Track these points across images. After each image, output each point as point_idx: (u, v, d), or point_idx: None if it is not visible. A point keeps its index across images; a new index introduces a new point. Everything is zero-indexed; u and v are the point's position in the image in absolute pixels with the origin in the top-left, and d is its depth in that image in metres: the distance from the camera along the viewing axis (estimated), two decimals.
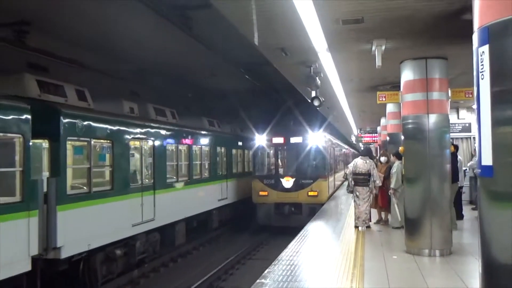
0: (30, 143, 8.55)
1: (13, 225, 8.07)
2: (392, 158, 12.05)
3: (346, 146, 38.42)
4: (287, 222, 17.50)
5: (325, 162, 18.94)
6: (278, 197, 18.16)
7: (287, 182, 18.12)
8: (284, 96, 21.68)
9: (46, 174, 9.28)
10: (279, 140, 18.95)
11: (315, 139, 18.61)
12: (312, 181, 18.04)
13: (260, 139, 19.04)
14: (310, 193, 17.89)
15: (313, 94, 12.02)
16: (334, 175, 22.83)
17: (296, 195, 17.99)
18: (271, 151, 19.65)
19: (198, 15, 10.41)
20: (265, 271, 7.69)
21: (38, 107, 8.95)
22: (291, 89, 15.55)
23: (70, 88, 10.72)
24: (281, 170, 19.32)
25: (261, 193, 18.39)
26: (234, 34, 8.58)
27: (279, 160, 19.75)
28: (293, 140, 18.70)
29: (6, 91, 8.86)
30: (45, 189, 8.98)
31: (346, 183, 19.99)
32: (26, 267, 8.35)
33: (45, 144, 9.36)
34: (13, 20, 10.43)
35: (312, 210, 16.86)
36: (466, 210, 13.12)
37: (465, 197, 14.25)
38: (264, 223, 18.47)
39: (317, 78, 10.75)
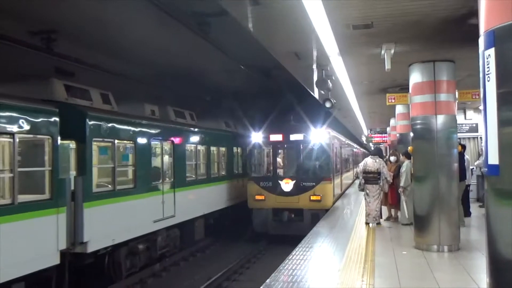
0: (58, 144, 8.68)
1: (43, 221, 8.20)
2: (401, 157, 11.98)
3: (355, 145, 35.63)
4: (287, 230, 15.16)
5: (330, 162, 16.12)
6: (276, 201, 15.50)
7: (286, 185, 15.45)
8: (290, 92, 19.51)
9: (73, 173, 9.40)
10: (277, 137, 16.19)
11: (318, 136, 15.84)
12: (314, 183, 15.31)
13: (256, 137, 16.35)
14: (313, 198, 15.18)
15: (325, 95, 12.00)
16: (341, 176, 20.16)
17: (297, 199, 15.36)
18: (268, 150, 16.79)
19: (215, 22, 10.45)
20: (280, 265, 7.71)
21: (66, 110, 9.08)
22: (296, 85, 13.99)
23: (95, 92, 10.85)
24: (279, 171, 16.61)
25: (257, 197, 15.73)
26: (249, 38, 8.60)
27: (277, 160, 16.82)
28: (293, 137, 15.99)
29: (36, 95, 9.00)
30: (72, 187, 9.10)
31: (357, 182, 19.74)
32: (56, 260, 8.48)
33: (72, 145, 9.48)
34: (42, 28, 10.58)
35: (315, 217, 14.54)
36: (474, 208, 12.99)
37: (472, 195, 14.10)
38: (260, 231, 15.94)
39: (328, 81, 10.73)
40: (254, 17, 6.73)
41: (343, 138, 23.92)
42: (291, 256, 8.39)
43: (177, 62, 14.94)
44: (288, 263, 7.82)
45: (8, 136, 7.71)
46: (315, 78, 10.88)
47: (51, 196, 8.46)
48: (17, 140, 7.75)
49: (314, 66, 10.12)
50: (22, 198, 7.84)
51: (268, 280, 6.85)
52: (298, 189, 15.37)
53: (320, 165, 15.98)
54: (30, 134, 8.25)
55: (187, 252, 14.28)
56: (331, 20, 6.53)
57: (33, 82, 9.67)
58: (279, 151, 17.06)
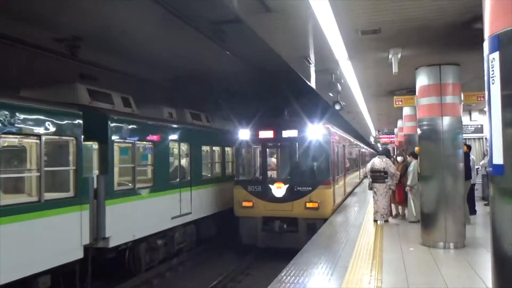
0: (82, 145, 8.78)
1: (68, 217, 8.31)
2: (408, 158, 11.92)
3: (362, 144, 32.38)
4: (278, 243, 12.75)
5: (330, 163, 13.36)
6: (266, 209, 12.94)
7: (278, 190, 12.90)
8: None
9: (96, 172, 9.50)
10: (267, 133, 13.46)
11: (316, 132, 13.15)
12: (311, 188, 12.72)
13: (243, 134, 13.62)
14: (309, 205, 12.60)
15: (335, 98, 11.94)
16: (344, 179, 17.21)
17: (290, 206, 12.74)
18: (258, 149, 14.20)
19: (230, 28, 10.48)
20: (292, 260, 7.70)
21: (89, 113, 9.18)
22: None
23: (117, 96, 10.96)
24: (270, 174, 13.96)
25: (245, 203, 13.15)
26: (261, 45, 8.61)
27: (267, 160, 14.09)
28: (286, 133, 13.32)
29: (61, 99, 9.12)
30: (95, 186, 9.20)
31: (358, 187, 19.14)
32: (79, 254, 8.58)
33: (95, 146, 9.58)
34: (67, 36, 10.73)
35: (312, 227, 12.13)
36: (479, 206, 12.83)
37: (478, 193, 13.94)
38: (248, 243, 13.40)
39: (338, 84, 10.70)
40: (266, 24, 6.74)
41: (347, 136, 20.85)
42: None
43: (191, 66, 15.00)
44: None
45: (36, 137, 7.83)
46: (325, 81, 10.86)
47: (75, 194, 8.56)
48: (44, 141, 7.87)
49: (324, 70, 10.09)
50: (48, 195, 7.95)
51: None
52: (291, 195, 12.83)
53: (317, 167, 13.39)
54: (56, 135, 8.36)
55: (202, 248, 14.29)
56: (340, 26, 6.51)
57: (59, 87, 9.82)
58: (270, 150, 14.41)
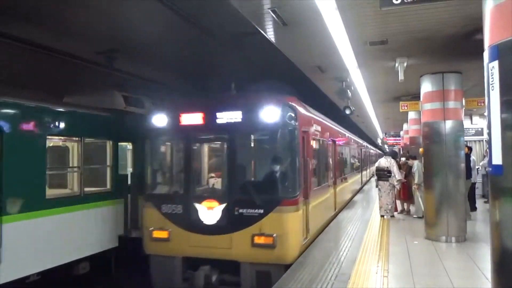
0: (118, 145, 8.93)
1: (105, 210, 8.46)
2: (410, 161, 11.90)
3: (361, 141, 23.63)
4: None
5: (297, 167, 7.13)
6: (189, 244, 7.15)
7: (209, 213, 7.11)
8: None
9: (130, 170, 9.63)
10: (193, 118, 7.44)
11: (272, 114, 7.00)
12: (262, 211, 6.83)
13: (156, 120, 7.68)
14: (258, 240, 6.78)
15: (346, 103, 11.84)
16: (334, 188, 11.03)
17: (228, 241, 6.95)
18: (178, 144, 8.03)
19: (249, 40, 10.52)
20: (304, 252, 7.65)
21: (124, 117, 9.32)
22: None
23: (148, 101, 11.09)
24: (195, 186, 7.75)
25: (156, 234, 7.37)
26: (278, 54, 8.62)
27: (192, 163, 7.68)
28: (223, 118, 7.25)
29: (100, 104, 9.30)
30: (129, 182, 9.33)
31: (359, 193, 17.53)
32: (114, 243, 8.73)
33: (129, 146, 9.71)
34: (105, 48, 10.93)
35: (265, 278, 6.74)
36: (479, 203, 12.62)
37: (478, 191, 13.70)
38: None
39: (348, 91, 10.65)
40: (282, 36, 6.75)
41: (337, 128, 13.18)
42: None
43: (209, 70, 14.86)
44: None
45: (77, 139, 8.01)
46: (336, 88, 10.82)
47: (111, 189, 8.70)
48: (84, 142, 8.04)
49: (336, 78, 10.06)
50: (88, 190, 8.11)
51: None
52: (230, 222, 6.95)
53: (275, 174, 7.17)
54: (95, 137, 8.52)
55: None
56: (350, 38, 6.51)
57: (98, 94, 10.00)
58: (197, 146, 8.30)
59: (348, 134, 16.50)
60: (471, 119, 16.87)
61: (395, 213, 11.76)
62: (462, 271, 6.38)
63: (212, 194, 7.52)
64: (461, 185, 8.43)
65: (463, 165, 8.48)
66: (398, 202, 12.31)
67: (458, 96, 8.53)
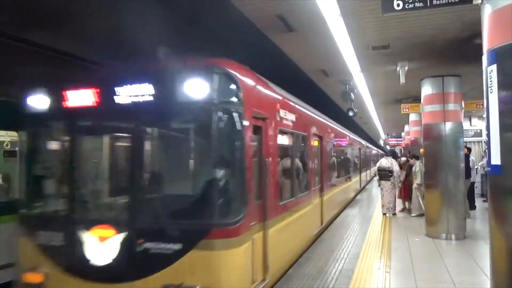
0: None
1: None
2: (411, 160, 11.82)
3: (361, 140, 20.70)
4: None
5: (243, 173, 4.01)
6: None
7: (100, 246, 3.98)
8: None
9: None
10: (82, 97, 4.27)
11: (200, 87, 3.82)
12: (180, 246, 3.75)
13: (33, 102, 4.50)
14: None
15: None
16: (321, 196, 8.59)
17: None
18: (61, 137, 4.60)
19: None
20: (307, 251, 7.65)
21: None
22: None
23: None
24: (81, 203, 4.41)
25: (27, 277, 4.22)
26: (285, 58, 8.61)
27: (79, 165, 4.50)
28: (126, 94, 4.08)
29: None
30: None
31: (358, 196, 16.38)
32: None
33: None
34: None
35: None
36: (478, 202, 12.52)
37: (477, 191, 13.59)
38: None
39: (351, 93, 10.63)
40: (288, 41, 6.76)
41: (322, 119, 9.72)
42: None
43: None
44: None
45: None
46: (340, 91, 10.80)
47: None
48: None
49: (340, 81, 10.04)
50: None
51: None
52: (131, 262, 3.96)
53: (205, 186, 4.04)
54: None
55: None
56: (353, 43, 6.51)
57: None
58: (88, 139, 4.88)
59: (342, 130, 13.36)
60: (470, 120, 16.79)
61: (397, 211, 11.71)
62: (462, 267, 6.34)
63: (106, 217, 4.31)
64: (461, 184, 8.39)
65: (462, 165, 8.44)
66: (398, 201, 12.27)
67: (458, 98, 8.50)
